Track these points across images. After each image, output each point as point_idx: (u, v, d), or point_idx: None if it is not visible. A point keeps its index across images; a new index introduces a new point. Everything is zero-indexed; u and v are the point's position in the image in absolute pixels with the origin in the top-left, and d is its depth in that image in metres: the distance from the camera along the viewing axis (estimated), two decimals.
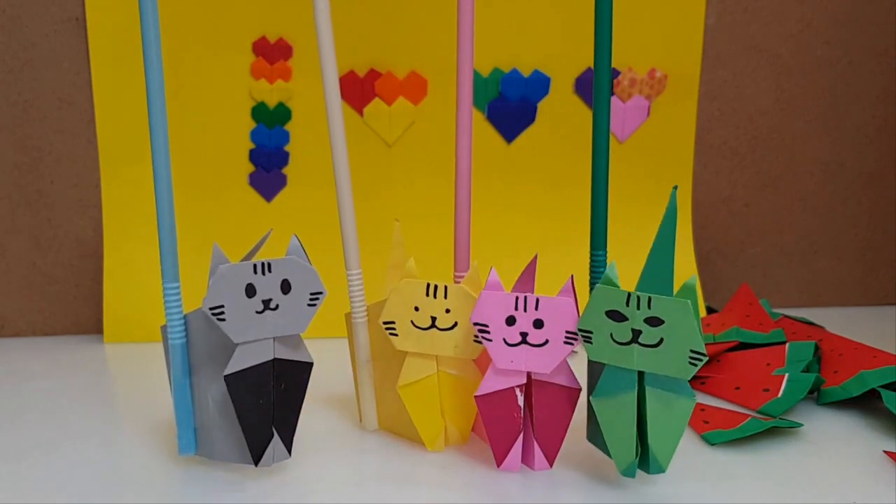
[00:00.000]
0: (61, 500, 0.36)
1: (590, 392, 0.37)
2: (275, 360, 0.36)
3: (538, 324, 0.37)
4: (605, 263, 0.39)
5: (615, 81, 0.59)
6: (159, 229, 0.37)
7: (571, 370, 0.38)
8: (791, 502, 0.36)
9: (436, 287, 0.38)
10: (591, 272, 0.39)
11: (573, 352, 0.37)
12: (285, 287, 0.36)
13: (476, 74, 0.58)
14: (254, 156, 0.58)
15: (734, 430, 0.42)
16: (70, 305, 0.58)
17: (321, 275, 0.37)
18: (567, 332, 0.36)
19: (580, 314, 0.36)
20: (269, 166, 0.58)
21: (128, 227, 0.57)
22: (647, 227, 0.62)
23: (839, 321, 0.59)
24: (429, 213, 0.59)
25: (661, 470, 0.36)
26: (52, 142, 0.56)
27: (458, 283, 0.40)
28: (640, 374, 0.35)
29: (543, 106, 0.59)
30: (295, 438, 0.38)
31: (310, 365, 0.37)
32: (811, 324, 0.56)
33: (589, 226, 0.59)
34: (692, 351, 0.33)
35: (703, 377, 0.50)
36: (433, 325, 0.39)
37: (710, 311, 0.61)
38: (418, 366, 0.40)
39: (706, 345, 0.52)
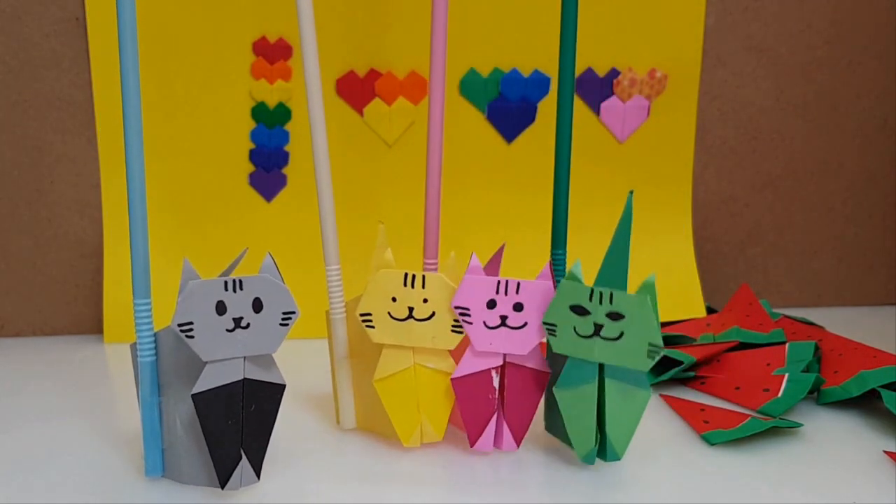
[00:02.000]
0: (61, 500, 0.36)
1: (551, 384, 0.39)
2: (245, 380, 0.35)
3: (518, 307, 0.38)
4: (565, 262, 0.42)
5: (615, 81, 0.59)
6: (131, 245, 0.36)
7: (542, 354, 0.39)
8: (791, 502, 0.36)
9: (413, 276, 0.39)
10: (553, 269, 0.41)
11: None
12: (257, 306, 0.35)
13: (476, 74, 0.58)
14: (254, 156, 0.58)
15: (734, 430, 0.42)
16: (70, 305, 0.58)
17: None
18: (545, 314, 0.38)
19: None
20: (269, 166, 0.58)
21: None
22: (647, 227, 0.62)
23: (839, 321, 0.59)
24: (421, 217, 0.59)
25: (617, 458, 0.38)
26: (52, 142, 0.56)
27: (429, 270, 0.41)
28: (601, 366, 0.37)
29: (543, 106, 0.59)
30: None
31: (282, 387, 0.36)
32: (811, 324, 0.56)
33: (590, 223, 0.59)
34: (650, 344, 0.35)
35: (703, 377, 0.50)
36: (410, 316, 0.39)
37: (710, 311, 0.61)
38: (395, 358, 0.40)
39: (706, 345, 0.52)
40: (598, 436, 0.38)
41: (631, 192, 0.36)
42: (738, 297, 0.57)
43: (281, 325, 0.35)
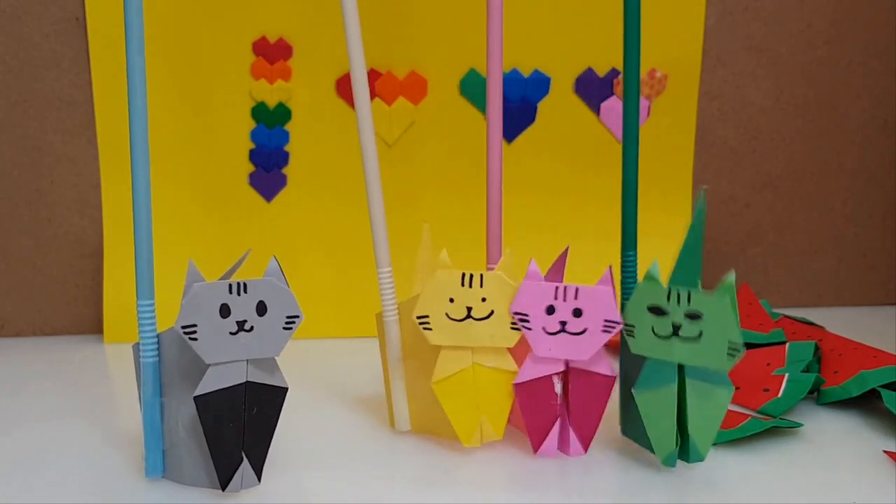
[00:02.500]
0: (61, 500, 0.36)
1: (629, 385, 0.38)
2: (247, 383, 0.35)
3: (577, 313, 0.38)
4: (636, 263, 0.42)
5: (615, 81, 0.59)
6: (136, 247, 0.36)
7: (608, 359, 0.39)
8: (791, 502, 0.36)
9: (471, 276, 0.38)
10: (623, 271, 0.41)
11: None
12: (261, 309, 0.35)
13: (476, 74, 0.58)
14: (254, 156, 0.58)
15: (734, 430, 0.42)
16: (70, 305, 0.58)
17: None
18: (606, 320, 0.37)
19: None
20: (269, 166, 0.58)
21: (128, 227, 0.57)
22: (648, 227, 0.61)
23: (839, 321, 0.59)
24: (429, 214, 0.59)
25: (701, 458, 0.37)
26: (52, 142, 0.56)
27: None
28: (680, 366, 0.36)
29: (543, 106, 0.59)
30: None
31: (284, 390, 0.36)
32: (811, 324, 0.56)
33: (589, 224, 0.59)
34: (731, 343, 0.35)
35: None
36: (469, 316, 0.39)
37: None
38: (453, 359, 0.39)
39: None
40: (679, 437, 0.37)
41: (703, 190, 0.37)
42: (738, 297, 0.57)
43: (285, 328, 0.35)
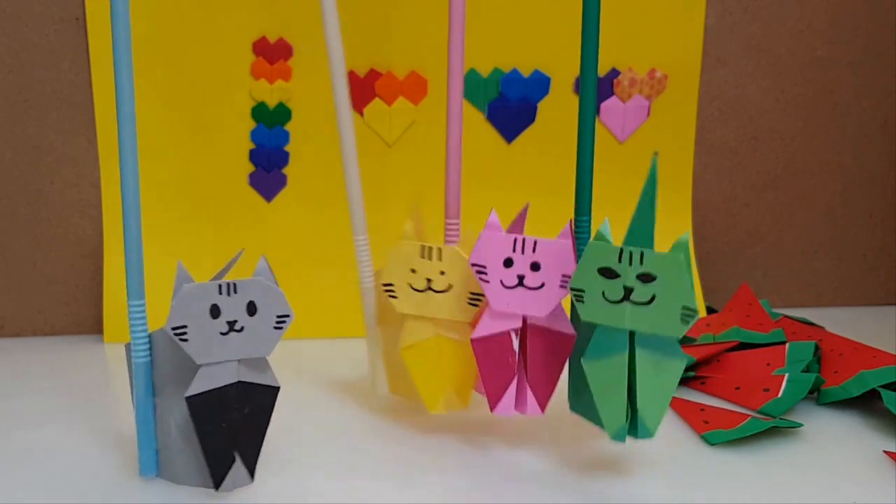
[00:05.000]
0: (59, 500, 0.36)
1: (578, 355, 0.37)
2: (239, 382, 0.35)
3: (535, 266, 0.37)
4: (590, 228, 0.40)
5: (615, 81, 0.59)
6: (126, 246, 0.36)
7: (566, 316, 0.38)
8: (791, 502, 0.36)
9: (430, 249, 0.39)
10: (577, 237, 0.40)
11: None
12: (251, 309, 0.35)
13: (476, 74, 0.58)
14: (254, 156, 0.58)
15: (734, 430, 0.42)
16: (70, 305, 0.58)
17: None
18: (563, 275, 0.37)
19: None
20: (269, 166, 0.58)
21: None
22: None
23: (839, 321, 0.59)
24: (429, 214, 0.59)
25: (650, 434, 0.36)
26: (52, 142, 0.56)
27: (451, 231, 0.41)
28: (632, 335, 0.35)
29: (543, 106, 0.59)
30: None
31: (276, 389, 0.36)
32: (811, 324, 0.56)
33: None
34: (684, 307, 0.33)
35: (703, 377, 0.50)
36: (429, 288, 0.39)
37: (710, 311, 0.61)
38: (418, 328, 0.40)
39: (706, 345, 0.52)
40: (629, 411, 0.36)
41: (656, 154, 0.35)
42: (738, 297, 0.57)
43: (275, 328, 0.35)
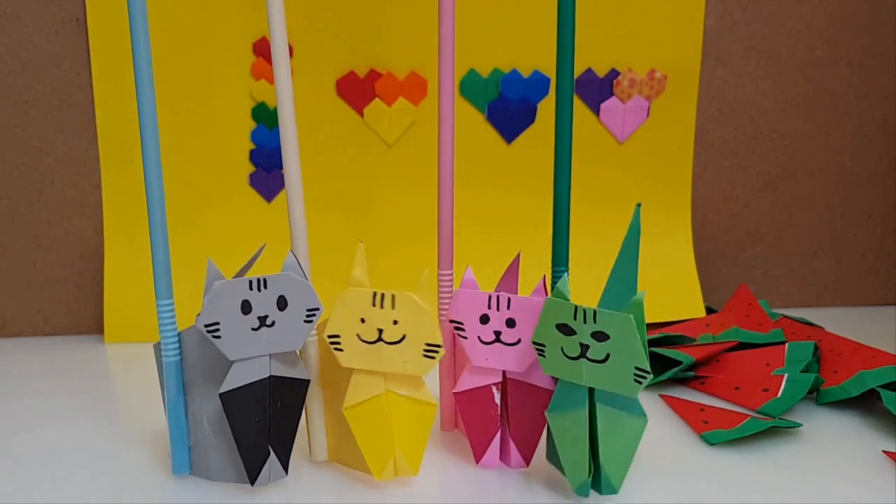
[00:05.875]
0: (61, 501, 0.36)
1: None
2: (271, 377, 0.36)
3: (510, 323, 0.37)
4: (567, 279, 0.39)
5: (615, 82, 0.59)
6: (152, 247, 0.36)
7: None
8: (791, 502, 0.36)
9: (382, 296, 0.36)
10: (553, 287, 0.39)
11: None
12: (281, 303, 0.35)
13: (476, 74, 0.58)
14: (254, 156, 0.58)
15: (733, 430, 0.42)
16: (70, 305, 0.58)
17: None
18: None
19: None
20: (269, 166, 0.58)
21: (128, 227, 0.57)
22: (648, 228, 0.62)
23: (839, 321, 0.59)
24: (429, 214, 0.59)
25: (614, 491, 0.36)
26: (52, 142, 0.56)
27: (444, 282, 0.40)
28: (592, 391, 0.35)
29: (543, 106, 0.59)
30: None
31: (307, 382, 0.37)
32: (810, 324, 0.56)
33: (589, 223, 0.58)
34: (637, 368, 0.33)
35: (702, 377, 0.50)
36: (380, 339, 0.36)
37: (709, 311, 0.61)
38: (365, 384, 0.37)
39: (706, 345, 0.52)
40: (592, 466, 0.36)
41: (638, 206, 0.35)
42: (738, 297, 0.57)
43: (305, 321, 0.36)
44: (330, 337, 0.36)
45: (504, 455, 0.39)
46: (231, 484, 0.37)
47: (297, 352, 0.37)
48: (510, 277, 0.40)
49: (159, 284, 0.36)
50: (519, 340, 0.37)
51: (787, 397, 0.45)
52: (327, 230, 0.58)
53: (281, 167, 0.58)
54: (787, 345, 0.50)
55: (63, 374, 0.51)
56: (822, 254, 0.66)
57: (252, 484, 0.36)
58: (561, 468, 0.37)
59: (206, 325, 0.34)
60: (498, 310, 0.37)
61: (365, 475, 0.38)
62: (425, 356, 0.36)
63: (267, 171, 0.58)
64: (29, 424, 0.44)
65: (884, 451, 0.41)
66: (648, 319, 0.59)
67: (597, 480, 0.36)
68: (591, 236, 0.60)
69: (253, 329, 0.35)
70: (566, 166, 0.40)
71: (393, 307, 0.36)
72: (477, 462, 0.39)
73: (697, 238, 0.63)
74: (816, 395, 0.47)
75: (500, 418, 0.39)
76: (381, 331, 0.36)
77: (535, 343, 0.36)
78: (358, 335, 0.36)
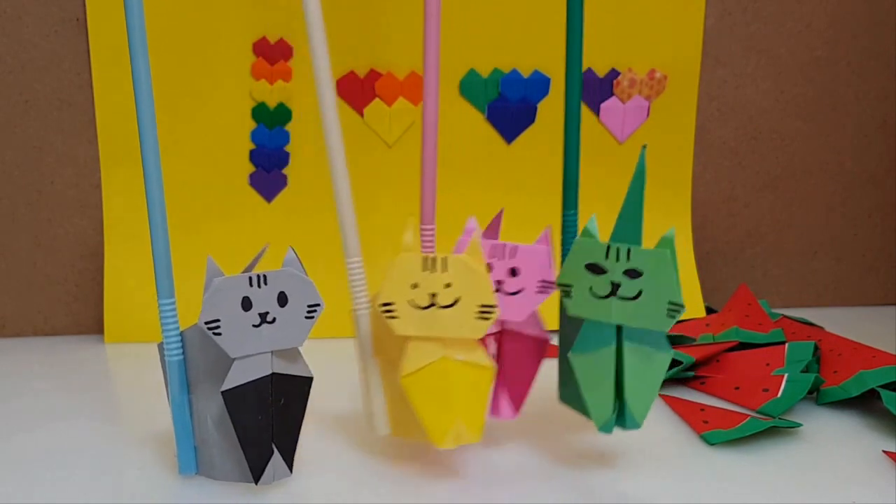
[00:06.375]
0: (62, 502, 0.36)
1: (566, 349, 0.37)
2: (273, 374, 0.35)
3: (513, 272, 0.37)
4: (577, 222, 0.40)
5: (615, 82, 0.59)
6: (153, 245, 0.36)
7: (541, 321, 0.38)
8: (791, 502, 0.36)
9: (434, 259, 0.35)
10: (563, 231, 0.40)
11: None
12: (282, 300, 0.35)
13: (476, 74, 0.58)
14: (254, 156, 0.58)
15: (733, 429, 0.42)
16: (70, 305, 0.58)
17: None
18: (541, 280, 0.37)
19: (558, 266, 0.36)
20: (269, 167, 0.58)
21: (128, 227, 0.57)
22: (648, 228, 0.62)
23: (839, 321, 0.59)
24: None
25: (637, 425, 0.36)
26: (52, 142, 0.56)
27: (426, 236, 0.39)
28: (619, 329, 0.35)
29: (543, 106, 0.59)
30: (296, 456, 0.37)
31: (310, 379, 0.36)
32: (810, 324, 0.56)
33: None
34: (670, 302, 0.34)
35: (702, 377, 0.50)
36: (433, 303, 0.36)
37: (709, 311, 0.61)
38: (422, 351, 0.36)
39: (706, 345, 0.52)
40: (616, 403, 0.36)
41: (644, 146, 0.35)
42: (737, 297, 0.57)
43: (306, 317, 0.36)
44: (383, 305, 0.36)
45: (494, 407, 0.39)
46: (234, 484, 0.37)
47: (299, 349, 0.36)
48: (491, 232, 0.40)
49: (161, 284, 0.36)
50: (520, 290, 0.37)
51: (787, 397, 0.45)
52: (327, 230, 0.58)
53: (281, 167, 0.58)
54: (787, 345, 0.50)
55: (63, 374, 0.51)
56: (822, 254, 0.65)
57: (256, 483, 0.36)
58: (578, 408, 0.38)
59: (206, 322, 0.34)
60: (502, 259, 0.37)
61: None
62: (479, 317, 0.36)
63: (267, 171, 0.58)
64: (29, 424, 0.44)
65: (884, 451, 0.41)
66: None
67: (620, 417, 0.36)
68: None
69: (254, 326, 0.35)
70: (576, 110, 0.41)
71: (445, 270, 0.36)
72: None
73: (697, 238, 0.63)
74: (816, 395, 0.47)
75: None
76: (434, 295, 0.36)
77: (560, 284, 0.36)
78: (411, 301, 0.36)
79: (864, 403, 0.47)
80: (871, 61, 0.62)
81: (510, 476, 0.38)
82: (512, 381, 0.38)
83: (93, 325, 0.59)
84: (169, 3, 0.55)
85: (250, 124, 0.57)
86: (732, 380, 0.48)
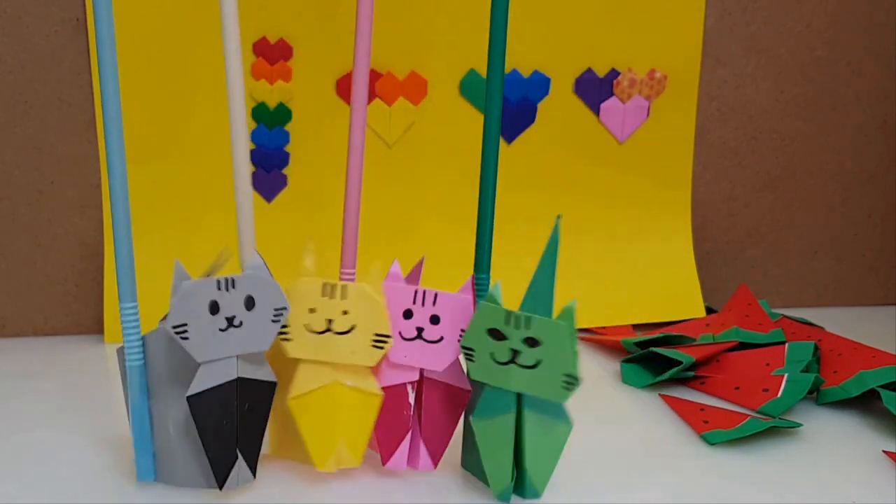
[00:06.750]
0: (61, 501, 0.36)
1: (469, 413, 0.37)
2: (239, 379, 0.35)
3: (434, 319, 0.37)
4: (488, 286, 0.39)
5: (615, 82, 0.59)
6: (116, 248, 0.36)
7: (463, 372, 0.37)
8: (791, 502, 0.36)
9: (333, 286, 0.36)
10: (476, 295, 0.39)
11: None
12: (249, 303, 0.35)
13: (476, 74, 0.58)
14: (254, 156, 0.58)
15: (733, 429, 0.42)
16: (70, 305, 0.58)
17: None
18: (463, 330, 0.36)
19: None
20: (269, 167, 0.58)
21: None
22: (648, 228, 0.62)
23: (839, 321, 0.59)
24: (429, 214, 0.59)
25: (537, 495, 0.36)
26: (52, 142, 0.56)
27: (346, 278, 0.39)
28: (519, 396, 0.35)
29: (543, 106, 0.59)
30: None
31: (273, 384, 0.36)
32: (810, 324, 0.56)
33: (589, 223, 0.58)
34: (566, 374, 0.34)
35: (702, 377, 0.50)
36: (329, 329, 0.36)
37: (709, 311, 0.61)
38: (312, 375, 0.37)
39: (706, 345, 0.52)
40: (514, 471, 0.36)
41: (558, 217, 0.35)
42: (737, 297, 0.57)
43: (273, 321, 0.35)
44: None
45: (412, 457, 0.38)
46: (193, 490, 0.37)
47: (264, 354, 0.36)
48: (412, 279, 0.39)
49: (123, 287, 0.36)
50: (441, 338, 0.37)
51: (787, 397, 0.45)
52: (327, 230, 0.58)
53: (281, 167, 0.58)
54: (787, 345, 0.50)
55: (63, 374, 0.51)
56: (822, 254, 0.66)
57: (220, 488, 0.35)
58: (478, 474, 0.37)
59: (174, 327, 0.34)
60: (423, 305, 0.37)
61: (298, 474, 0.38)
62: (374, 346, 0.36)
63: (267, 171, 0.58)
64: (28, 425, 0.44)
65: (884, 451, 0.41)
66: (649, 319, 0.59)
67: (520, 485, 0.36)
68: (591, 236, 0.60)
69: (221, 330, 0.34)
70: (492, 172, 0.40)
71: (343, 297, 0.36)
72: (384, 463, 0.38)
73: (697, 238, 0.63)
74: (816, 395, 0.47)
75: (411, 419, 0.38)
76: (330, 321, 0.36)
77: (463, 348, 0.36)
78: (307, 325, 0.36)
79: (864, 403, 0.47)
80: (871, 61, 0.62)
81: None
82: (431, 432, 0.38)
83: (93, 325, 0.59)
84: (169, 4, 0.55)
85: (250, 124, 0.57)
86: (732, 380, 0.48)
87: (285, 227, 0.58)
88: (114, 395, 0.48)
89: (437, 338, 0.37)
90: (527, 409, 0.35)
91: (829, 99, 0.63)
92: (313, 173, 0.58)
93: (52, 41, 0.55)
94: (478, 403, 0.36)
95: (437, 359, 0.37)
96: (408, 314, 0.37)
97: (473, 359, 0.35)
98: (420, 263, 0.40)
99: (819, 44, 0.61)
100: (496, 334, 0.35)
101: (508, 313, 0.34)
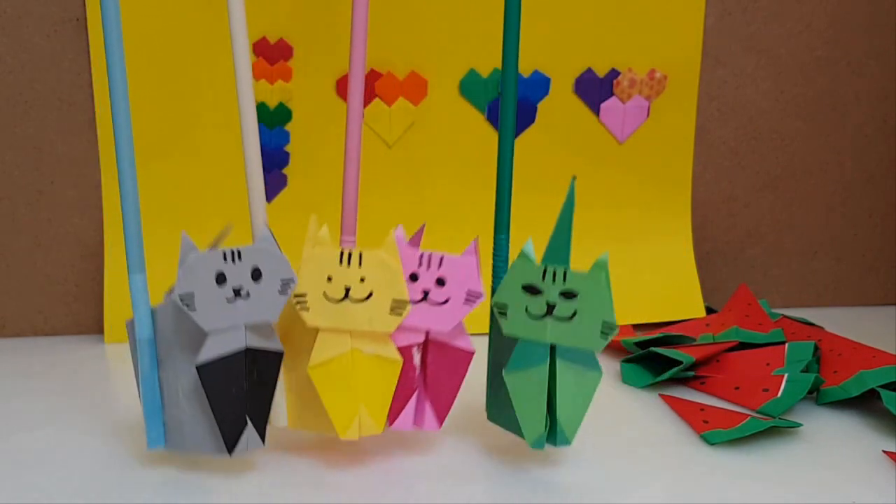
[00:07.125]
0: (61, 501, 0.36)
1: (498, 368, 0.38)
2: (247, 349, 0.36)
3: (440, 282, 0.37)
4: (507, 246, 0.41)
5: (615, 82, 0.59)
6: (124, 219, 0.36)
7: (467, 333, 0.38)
8: (791, 502, 0.36)
9: (349, 254, 0.37)
10: (495, 255, 0.40)
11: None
12: (256, 275, 0.36)
13: (476, 74, 0.58)
14: None
15: (733, 429, 0.42)
16: (70, 305, 0.58)
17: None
18: (468, 291, 0.37)
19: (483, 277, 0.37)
20: (269, 167, 0.58)
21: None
22: (648, 228, 0.62)
23: (839, 321, 0.59)
24: (429, 214, 0.59)
25: (567, 442, 0.37)
26: (52, 142, 0.56)
27: (346, 245, 0.39)
28: (552, 348, 0.36)
29: (543, 106, 0.59)
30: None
31: (281, 354, 0.37)
32: (810, 324, 0.56)
33: (589, 223, 0.58)
34: (604, 323, 0.35)
35: (702, 377, 0.50)
36: (346, 297, 0.37)
37: (709, 311, 0.61)
38: (331, 343, 0.37)
39: (706, 345, 0.52)
40: (548, 420, 0.37)
41: (574, 178, 0.37)
42: (737, 297, 0.57)
43: (280, 292, 0.36)
44: (296, 296, 0.37)
45: (418, 417, 0.39)
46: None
47: (273, 325, 0.37)
48: (413, 245, 0.40)
49: (132, 258, 0.36)
50: (447, 300, 0.37)
51: (787, 397, 0.45)
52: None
53: (281, 167, 0.58)
54: (787, 345, 0.50)
55: (63, 374, 0.51)
56: (822, 254, 0.66)
57: (230, 454, 0.36)
58: (508, 426, 0.39)
59: (180, 297, 0.34)
60: (428, 268, 0.37)
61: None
62: (392, 313, 0.37)
63: (267, 171, 0.58)
64: (28, 425, 0.44)
65: (884, 451, 0.41)
66: (649, 319, 0.60)
67: (551, 434, 0.37)
68: (590, 236, 0.60)
69: (228, 300, 0.35)
70: (510, 136, 0.42)
71: (360, 265, 0.37)
72: (390, 424, 0.39)
73: (697, 238, 0.63)
74: (816, 395, 0.47)
75: (417, 379, 0.39)
76: (348, 289, 0.37)
77: (495, 304, 0.37)
78: (324, 294, 0.37)
79: (864, 403, 0.47)
80: (871, 61, 0.62)
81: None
82: (436, 392, 0.38)
83: (93, 325, 0.59)
84: (169, 4, 0.55)
85: None
86: (732, 380, 0.48)
87: (285, 227, 0.58)
88: (114, 395, 0.48)
89: (444, 300, 0.37)
90: (560, 360, 0.36)
91: (829, 99, 0.63)
92: (313, 173, 0.58)
93: (52, 41, 0.55)
94: (511, 357, 0.37)
95: (443, 320, 0.38)
96: (413, 277, 0.38)
97: (507, 314, 0.37)
98: (421, 230, 0.41)
99: (819, 44, 0.61)
100: (531, 289, 0.36)
101: (545, 268, 0.36)
